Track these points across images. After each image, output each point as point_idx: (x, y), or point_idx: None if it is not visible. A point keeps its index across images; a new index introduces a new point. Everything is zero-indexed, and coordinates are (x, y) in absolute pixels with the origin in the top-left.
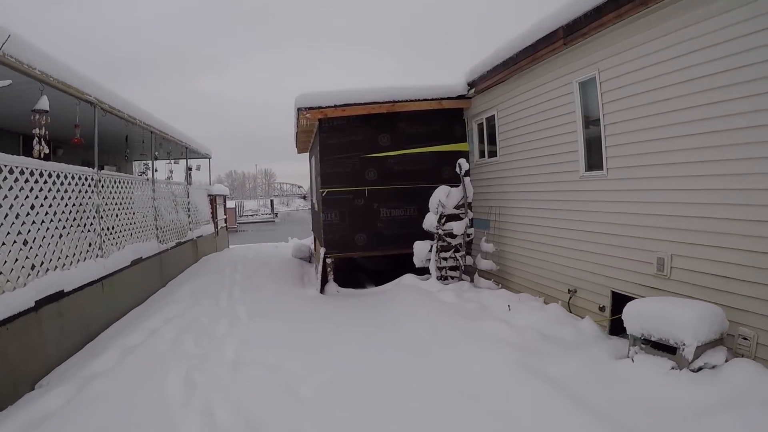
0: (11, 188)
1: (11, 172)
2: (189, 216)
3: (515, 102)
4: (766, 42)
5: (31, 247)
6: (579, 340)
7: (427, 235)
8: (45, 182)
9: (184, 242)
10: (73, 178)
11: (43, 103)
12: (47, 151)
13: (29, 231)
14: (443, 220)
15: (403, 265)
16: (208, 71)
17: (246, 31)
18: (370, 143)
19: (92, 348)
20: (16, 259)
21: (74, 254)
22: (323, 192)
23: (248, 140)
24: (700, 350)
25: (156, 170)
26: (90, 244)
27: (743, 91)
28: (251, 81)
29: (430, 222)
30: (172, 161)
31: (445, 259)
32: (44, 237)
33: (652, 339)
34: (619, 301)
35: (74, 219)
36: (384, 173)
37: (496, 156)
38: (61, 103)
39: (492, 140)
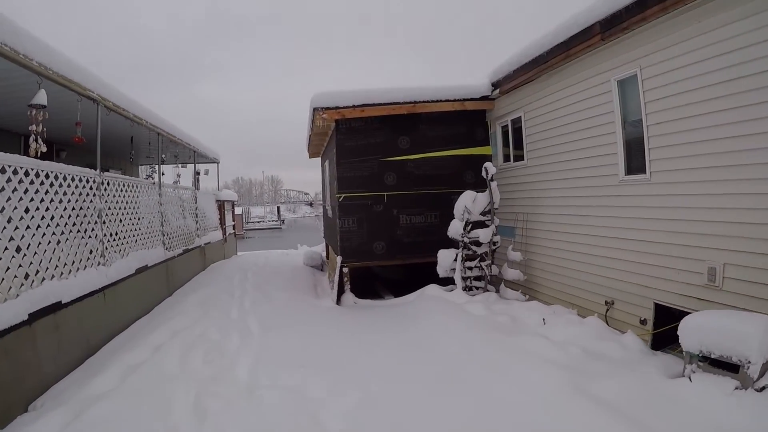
0: (3, 189)
1: (3, 171)
2: (197, 222)
3: (545, 102)
4: None
5: (25, 255)
6: (625, 357)
7: (450, 243)
8: (42, 183)
9: (192, 249)
10: (73, 179)
11: (41, 97)
12: (44, 149)
13: (23, 237)
14: (469, 228)
15: (422, 274)
16: (213, 77)
17: (251, 35)
18: (389, 146)
19: (92, 364)
20: (8, 268)
21: (73, 262)
22: (339, 197)
23: (255, 147)
24: (765, 368)
25: (163, 174)
26: (91, 251)
27: None
28: (258, 87)
29: (455, 229)
30: (180, 165)
31: (470, 268)
32: (40, 243)
33: (712, 356)
34: (663, 313)
35: (74, 224)
36: (404, 177)
37: (523, 160)
38: (62, 101)
39: (518, 143)
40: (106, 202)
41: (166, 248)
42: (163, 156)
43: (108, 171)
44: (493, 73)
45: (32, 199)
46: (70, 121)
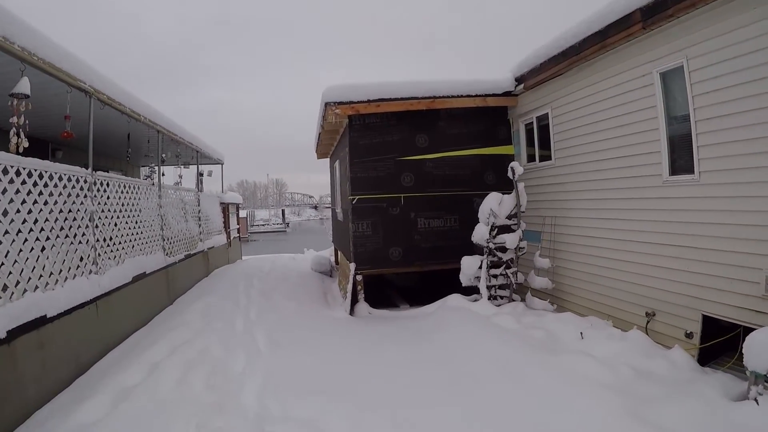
0: None
1: None
2: (200, 225)
3: (576, 98)
4: None
5: (2, 264)
6: (676, 376)
7: (470, 249)
8: (23, 183)
9: (194, 254)
10: (60, 179)
11: (23, 86)
12: (26, 144)
13: (0, 243)
14: (494, 232)
15: (439, 281)
16: (218, 81)
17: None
18: (406, 144)
19: (82, 386)
20: None
21: (60, 271)
22: (353, 199)
23: (260, 150)
24: None
25: (163, 174)
26: (81, 259)
27: None
28: (263, 90)
29: (480, 234)
30: (182, 166)
31: (495, 276)
32: (21, 251)
33: None
34: (711, 326)
35: (61, 228)
36: (421, 178)
37: (550, 159)
38: (57, 96)
39: (544, 142)
40: (99, 204)
41: (167, 253)
42: (164, 155)
43: (107, 171)
44: (517, 67)
45: (12, 201)
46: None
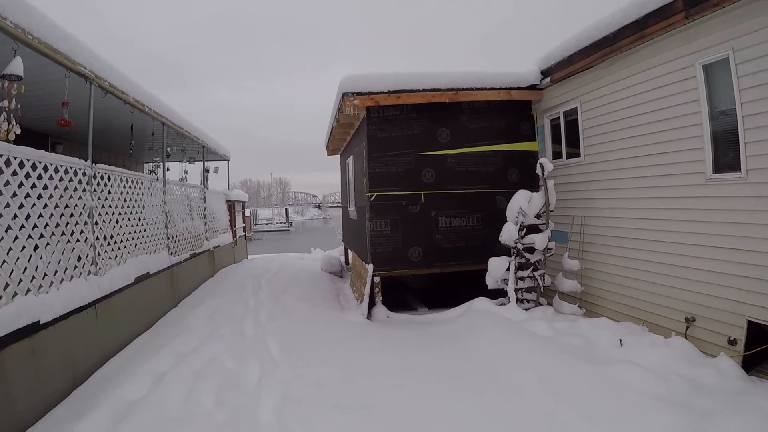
0: None
1: None
2: (205, 223)
3: (609, 91)
4: None
5: None
6: (725, 386)
7: (495, 250)
8: (14, 174)
9: (200, 253)
10: (56, 171)
11: (16, 66)
12: (18, 131)
13: None
14: (523, 232)
15: (457, 283)
16: (222, 79)
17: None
18: (427, 139)
19: (80, 398)
20: None
21: (56, 272)
22: (371, 196)
23: (262, 149)
24: None
25: (168, 170)
26: (79, 258)
27: None
28: (266, 89)
29: (509, 234)
30: (187, 161)
31: (522, 279)
32: (10, 250)
33: None
34: (756, 331)
35: (57, 225)
36: (443, 175)
37: (579, 156)
38: (51, 80)
39: (572, 138)
40: (99, 199)
41: (171, 252)
42: (169, 150)
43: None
44: (543, 59)
45: (0, 194)
46: (69, 109)
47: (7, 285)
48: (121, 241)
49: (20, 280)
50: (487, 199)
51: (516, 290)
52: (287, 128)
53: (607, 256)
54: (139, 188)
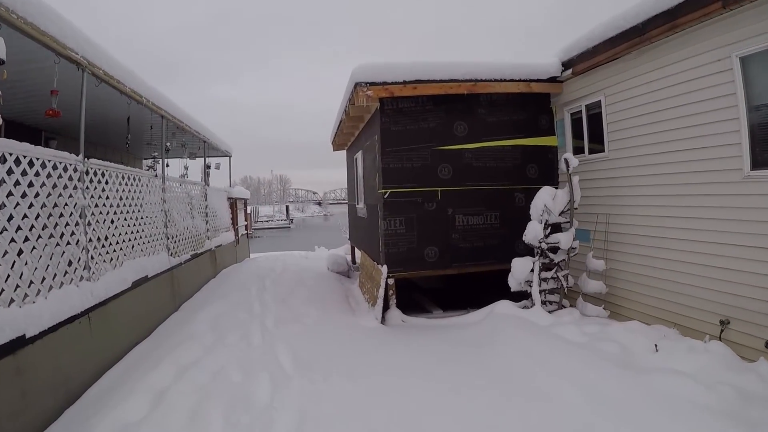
0: None
1: None
2: (207, 222)
3: (635, 84)
4: None
5: None
6: None
7: (515, 249)
8: None
9: (201, 253)
10: (44, 166)
11: None
12: (0, 122)
13: None
14: (547, 231)
15: (472, 283)
16: (222, 78)
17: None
18: (443, 132)
19: (71, 419)
20: None
21: (43, 279)
22: (385, 193)
23: (263, 146)
24: None
25: (167, 166)
26: (70, 263)
27: None
28: (266, 87)
29: (534, 233)
30: (187, 157)
31: (545, 280)
32: None
33: None
34: None
35: (44, 227)
36: (460, 171)
37: (603, 152)
38: (42, 68)
39: (594, 133)
40: (92, 197)
41: (171, 254)
42: (168, 144)
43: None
44: (564, 51)
45: None
46: (63, 103)
47: None
48: (117, 242)
49: (2, 290)
50: (505, 196)
51: (541, 292)
52: (287, 128)
53: (634, 255)
54: (137, 185)
